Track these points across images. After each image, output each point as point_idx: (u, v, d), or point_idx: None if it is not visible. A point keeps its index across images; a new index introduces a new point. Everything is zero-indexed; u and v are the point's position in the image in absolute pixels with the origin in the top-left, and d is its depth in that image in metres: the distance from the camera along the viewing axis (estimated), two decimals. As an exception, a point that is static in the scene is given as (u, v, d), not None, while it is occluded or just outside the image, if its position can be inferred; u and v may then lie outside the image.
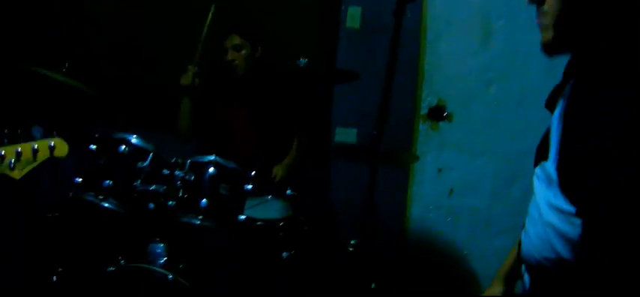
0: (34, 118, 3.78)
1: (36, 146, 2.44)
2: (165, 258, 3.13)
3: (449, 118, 4.52)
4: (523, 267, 1.89)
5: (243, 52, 4.04)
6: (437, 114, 4.52)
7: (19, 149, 2.39)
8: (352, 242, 3.04)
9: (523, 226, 1.88)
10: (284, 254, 3.39)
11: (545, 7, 1.63)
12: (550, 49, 1.66)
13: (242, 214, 3.21)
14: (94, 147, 3.18)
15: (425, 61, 4.48)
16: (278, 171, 3.99)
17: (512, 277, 2.19)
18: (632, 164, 1.38)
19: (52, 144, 2.49)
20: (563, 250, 1.60)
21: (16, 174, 2.41)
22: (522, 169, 4.34)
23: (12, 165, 2.37)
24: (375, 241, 4.04)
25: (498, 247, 4.48)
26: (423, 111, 4.54)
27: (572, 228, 1.56)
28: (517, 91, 4.47)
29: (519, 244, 1.90)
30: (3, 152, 2.36)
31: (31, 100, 4.18)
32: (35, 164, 2.46)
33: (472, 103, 4.52)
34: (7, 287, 3.93)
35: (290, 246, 3.42)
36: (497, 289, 2.21)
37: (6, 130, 2.42)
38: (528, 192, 1.84)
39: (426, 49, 4.49)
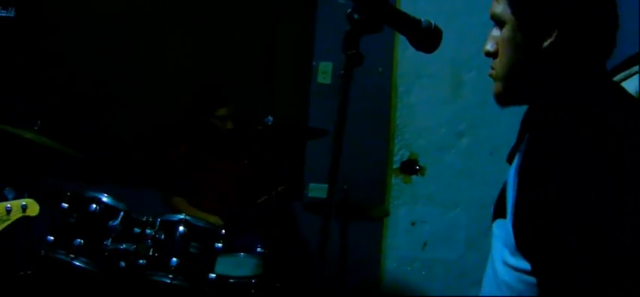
0: (6, 179, 3.79)
1: (9, 206, 2.52)
2: (136, 317, 3.12)
3: (421, 171, 4.56)
4: None
5: (229, 122, 4.15)
6: (409, 167, 4.57)
7: (-6, 208, 2.48)
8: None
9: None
10: (257, 312, 3.38)
11: (496, 59, 1.64)
12: (501, 100, 1.67)
13: (213, 273, 3.21)
14: (65, 205, 3.20)
15: (396, 115, 4.55)
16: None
17: None
18: (583, 220, 1.35)
19: (24, 203, 2.55)
20: None
21: None
22: (496, 219, 4.35)
23: (-15, 224, 2.44)
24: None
25: (474, 297, 4.45)
26: (396, 165, 4.59)
27: (526, 287, 1.54)
28: (489, 141, 4.53)
29: None
30: None
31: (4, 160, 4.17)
32: (8, 222, 2.52)
33: (444, 154, 4.58)
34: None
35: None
36: None
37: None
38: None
39: (397, 103, 4.56)
